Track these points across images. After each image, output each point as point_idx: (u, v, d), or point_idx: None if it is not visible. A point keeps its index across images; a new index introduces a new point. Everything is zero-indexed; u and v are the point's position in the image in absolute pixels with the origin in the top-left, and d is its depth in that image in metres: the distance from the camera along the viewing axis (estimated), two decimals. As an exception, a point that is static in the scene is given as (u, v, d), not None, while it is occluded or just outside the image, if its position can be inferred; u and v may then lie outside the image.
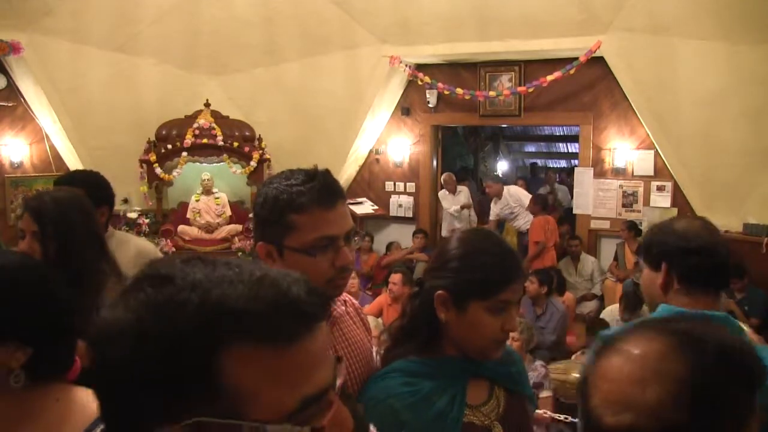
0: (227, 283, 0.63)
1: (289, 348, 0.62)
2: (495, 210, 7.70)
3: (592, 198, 7.23)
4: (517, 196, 7.53)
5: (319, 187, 1.34)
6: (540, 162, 13.54)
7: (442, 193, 7.99)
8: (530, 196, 7.52)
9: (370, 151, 8.33)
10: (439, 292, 1.39)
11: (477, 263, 1.39)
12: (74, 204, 1.97)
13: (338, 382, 0.69)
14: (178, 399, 0.60)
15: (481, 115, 7.79)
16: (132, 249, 2.35)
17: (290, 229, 1.32)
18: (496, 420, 1.41)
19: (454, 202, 7.89)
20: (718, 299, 1.59)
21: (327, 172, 1.41)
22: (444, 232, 7.92)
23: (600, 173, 7.20)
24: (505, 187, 7.68)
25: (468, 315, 1.37)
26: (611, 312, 5.36)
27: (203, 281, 0.63)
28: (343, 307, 1.53)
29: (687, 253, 1.58)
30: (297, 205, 1.31)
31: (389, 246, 8.02)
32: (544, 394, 3.68)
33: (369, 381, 1.45)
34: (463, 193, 7.97)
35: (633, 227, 6.71)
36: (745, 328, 1.82)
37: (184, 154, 7.22)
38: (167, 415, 0.60)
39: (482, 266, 1.38)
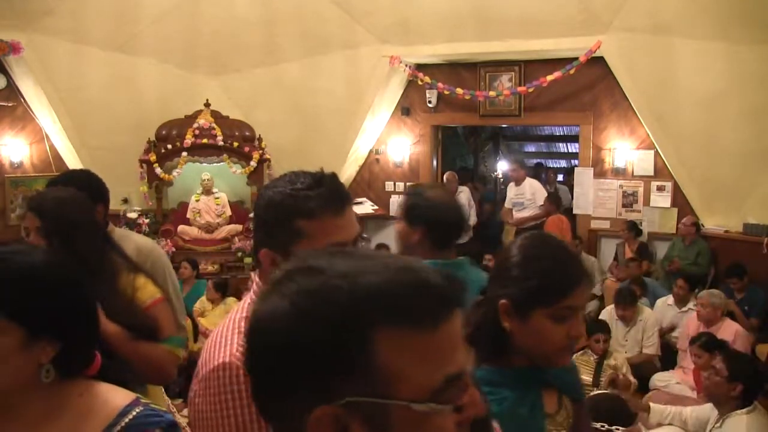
0: (374, 270, 0.67)
1: (434, 330, 0.66)
2: (510, 195, 7.61)
3: (592, 198, 7.23)
4: (534, 189, 7.38)
5: (328, 192, 1.28)
6: (542, 162, 13.57)
7: None
8: (546, 194, 7.43)
9: (370, 151, 8.33)
10: (502, 301, 1.35)
11: (537, 270, 1.34)
12: (74, 200, 2.04)
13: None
14: (330, 380, 0.64)
15: (481, 115, 7.78)
16: (131, 245, 2.38)
17: (298, 236, 1.25)
18: (567, 429, 1.40)
19: (454, 202, 7.87)
20: (453, 251, 2.18)
21: (334, 176, 1.35)
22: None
23: (600, 173, 7.20)
24: (528, 178, 7.62)
25: (532, 323, 1.32)
26: (611, 312, 5.36)
27: (352, 269, 0.67)
28: None
29: (440, 223, 2.12)
30: (306, 211, 1.25)
31: (378, 248, 8.01)
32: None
33: None
34: (464, 194, 7.94)
35: (633, 227, 6.71)
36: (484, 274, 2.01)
37: (184, 154, 7.22)
38: (319, 397, 0.64)
39: (542, 272, 1.33)
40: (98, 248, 1.99)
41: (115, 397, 1.17)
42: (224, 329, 1.31)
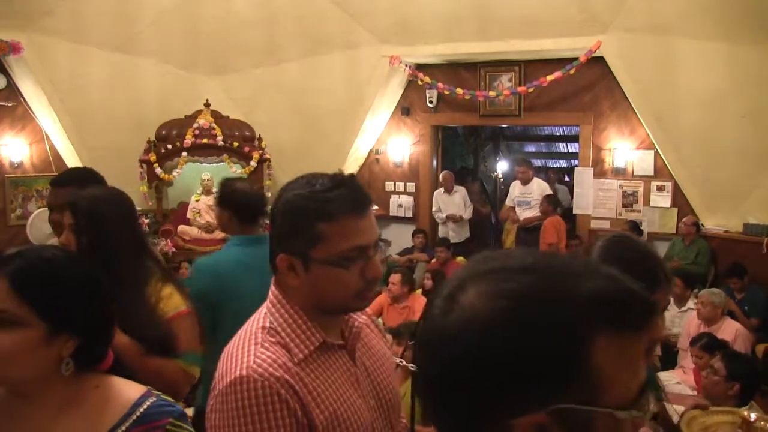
0: (587, 274, 0.65)
1: (639, 336, 0.66)
2: (514, 193, 7.49)
3: (592, 198, 7.22)
4: (542, 189, 7.29)
5: (349, 194, 1.24)
6: (541, 162, 13.55)
7: (438, 192, 7.95)
8: (551, 194, 7.38)
9: (370, 151, 8.33)
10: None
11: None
12: (109, 199, 2.02)
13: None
14: (544, 387, 0.62)
15: (481, 115, 7.78)
16: None
17: (318, 240, 1.21)
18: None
19: (449, 202, 7.85)
20: (256, 229, 2.71)
21: (353, 178, 1.30)
22: (440, 235, 7.90)
23: (600, 173, 7.20)
24: (536, 178, 7.56)
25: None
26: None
27: (564, 272, 0.65)
28: (363, 317, 1.46)
29: (242, 205, 2.69)
30: (326, 214, 1.21)
31: None
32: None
33: None
34: (459, 194, 7.91)
35: (634, 228, 6.70)
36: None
37: (184, 154, 7.22)
38: (526, 405, 0.62)
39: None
40: (127, 250, 1.95)
41: (129, 389, 1.24)
42: (241, 341, 1.27)
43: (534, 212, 7.15)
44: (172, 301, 1.95)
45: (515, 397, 0.62)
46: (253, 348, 1.23)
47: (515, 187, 7.52)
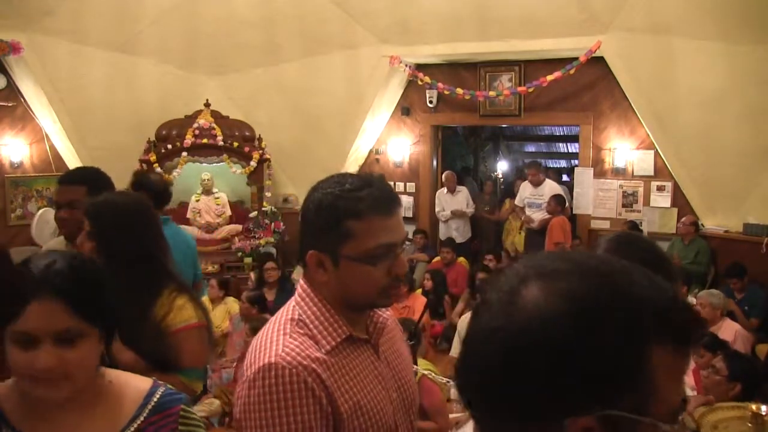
0: (651, 285, 0.67)
1: (688, 351, 0.68)
2: (524, 194, 7.42)
3: (592, 198, 7.22)
4: (554, 190, 7.20)
5: (378, 194, 1.28)
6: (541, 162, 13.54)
7: (440, 192, 7.96)
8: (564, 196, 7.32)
9: (370, 151, 8.33)
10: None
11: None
12: (126, 207, 2.00)
13: None
14: (600, 389, 0.62)
15: (481, 115, 7.78)
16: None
17: (348, 237, 1.25)
18: None
19: (452, 202, 7.86)
20: (160, 212, 2.67)
21: (382, 178, 1.35)
22: (441, 235, 7.90)
23: (600, 173, 7.20)
24: (547, 180, 7.48)
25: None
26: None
27: (630, 280, 0.66)
28: (387, 313, 1.49)
29: (160, 192, 3.09)
30: (356, 212, 1.25)
31: None
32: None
33: None
34: (462, 194, 7.92)
35: (634, 228, 6.70)
36: None
37: (184, 154, 7.22)
38: (584, 406, 0.62)
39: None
40: (140, 259, 1.91)
41: (138, 381, 1.32)
42: (270, 331, 1.31)
43: (541, 216, 7.11)
44: (182, 314, 1.92)
45: (572, 398, 0.63)
46: (281, 338, 1.27)
47: (526, 188, 7.44)
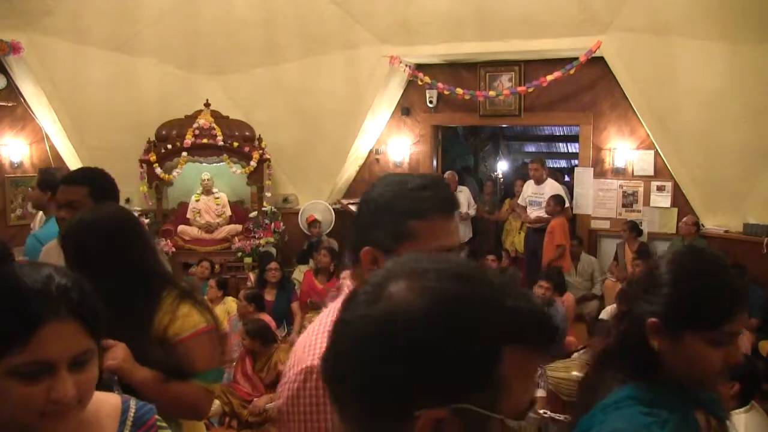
0: (510, 291, 0.71)
1: (540, 356, 0.72)
2: (527, 193, 7.36)
3: (592, 198, 7.22)
4: (555, 189, 7.12)
5: (440, 195, 1.26)
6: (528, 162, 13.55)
7: None
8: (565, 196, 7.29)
9: (370, 151, 8.33)
10: (651, 320, 1.29)
11: (694, 289, 1.27)
12: (105, 226, 1.86)
13: None
14: (453, 385, 0.66)
15: (481, 115, 7.78)
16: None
17: (409, 237, 1.22)
18: None
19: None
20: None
21: (442, 179, 1.35)
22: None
23: (600, 173, 7.20)
24: (549, 179, 7.39)
25: (685, 345, 1.26)
26: (611, 312, 5.34)
27: (491, 286, 0.71)
28: None
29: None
30: (419, 212, 1.23)
31: None
32: (539, 393, 3.70)
33: (597, 409, 1.32)
34: (463, 194, 7.92)
35: (635, 228, 6.70)
36: None
37: (184, 154, 7.22)
38: (436, 399, 0.66)
39: (701, 293, 1.26)
40: (130, 275, 1.81)
41: (109, 397, 1.26)
42: (314, 332, 1.28)
43: (540, 214, 7.09)
44: (189, 320, 1.85)
45: (425, 390, 0.66)
46: (326, 340, 1.25)
47: (528, 187, 7.38)
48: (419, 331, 0.66)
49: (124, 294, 1.76)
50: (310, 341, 1.26)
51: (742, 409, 3.13)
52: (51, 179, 3.30)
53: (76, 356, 1.04)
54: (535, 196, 7.26)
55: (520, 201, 7.61)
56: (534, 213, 7.22)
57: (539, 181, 7.23)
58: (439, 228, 1.24)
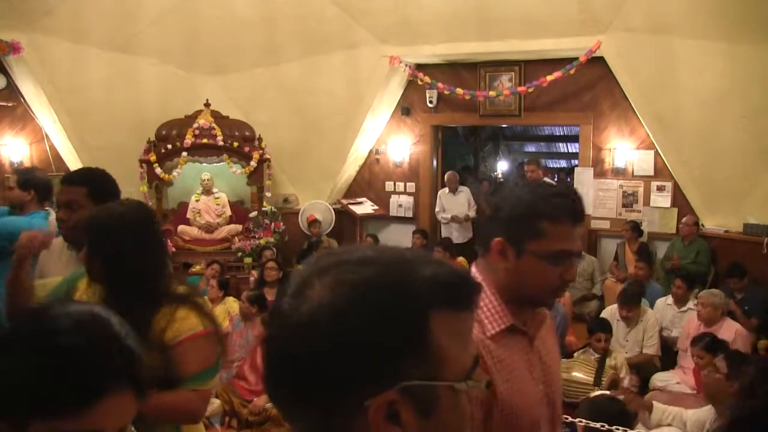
0: (421, 262, 0.72)
1: (467, 314, 0.74)
2: None
3: (592, 198, 7.22)
4: None
5: (572, 204, 1.40)
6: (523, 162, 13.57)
7: (442, 192, 7.95)
8: None
9: (370, 151, 8.33)
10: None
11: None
12: (133, 220, 1.88)
13: None
14: (392, 365, 0.66)
15: (481, 115, 7.78)
16: None
17: (539, 235, 1.37)
18: None
19: (454, 202, 7.86)
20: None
21: (576, 191, 1.47)
22: (442, 235, 7.89)
23: (600, 173, 7.20)
24: (546, 179, 7.43)
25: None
26: (611, 312, 5.35)
27: (401, 261, 0.72)
28: (545, 310, 1.57)
29: (45, 188, 3.45)
30: (553, 215, 1.37)
31: None
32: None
33: None
34: (464, 194, 7.91)
35: (635, 228, 6.70)
36: None
37: (184, 154, 7.22)
38: (381, 384, 0.66)
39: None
40: (145, 276, 1.82)
41: None
42: None
43: None
44: (186, 323, 1.83)
45: (367, 378, 0.66)
46: None
47: None
48: (342, 324, 0.66)
49: (138, 292, 1.78)
50: None
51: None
52: (32, 178, 3.42)
53: (125, 425, 0.94)
54: None
55: None
56: None
57: (536, 182, 7.21)
58: (566, 232, 1.38)
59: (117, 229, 1.83)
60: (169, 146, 7.21)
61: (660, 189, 6.91)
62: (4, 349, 0.89)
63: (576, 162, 8.14)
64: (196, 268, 6.65)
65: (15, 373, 0.85)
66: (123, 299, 1.65)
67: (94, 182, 2.39)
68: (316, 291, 0.69)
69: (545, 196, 1.40)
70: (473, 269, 1.48)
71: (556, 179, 10.62)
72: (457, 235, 7.72)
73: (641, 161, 6.97)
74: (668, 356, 5.21)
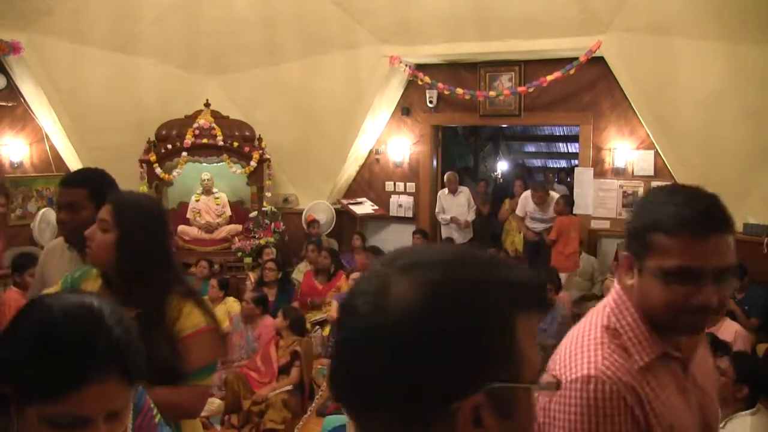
0: (500, 265, 0.72)
1: (538, 317, 0.75)
2: (528, 208, 7.21)
3: (592, 198, 7.21)
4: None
5: (695, 212, 1.17)
6: (541, 162, 13.58)
7: (442, 193, 7.94)
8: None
9: (370, 151, 8.33)
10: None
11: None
12: (154, 209, 1.97)
13: None
14: (482, 366, 0.66)
15: (481, 115, 7.78)
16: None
17: (650, 249, 1.20)
18: None
19: (454, 202, 7.85)
20: None
21: (715, 198, 1.22)
22: (443, 236, 7.88)
23: (600, 173, 7.20)
24: (552, 192, 7.32)
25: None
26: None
27: (483, 263, 0.72)
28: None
29: None
30: (663, 226, 1.18)
31: (371, 251, 7.69)
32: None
33: None
34: (464, 194, 7.90)
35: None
36: None
37: (184, 154, 7.22)
38: (470, 386, 0.66)
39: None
40: (161, 262, 1.87)
41: None
42: (583, 337, 1.26)
43: (546, 225, 7.02)
44: (191, 319, 1.87)
45: (456, 381, 0.65)
46: (600, 348, 1.22)
47: (529, 202, 7.22)
48: (436, 324, 0.65)
49: (152, 278, 1.83)
50: (582, 348, 1.23)
51: (748, 411, 3.12)
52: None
53: (114, 412, 0.98)
54: (536, 211, 7.18)
55: (518, 212, 7.48)
56: (534, 225, 7.21)
57: (541, 203, 7.12)
58: (681, 246, 1.16)
59: (145, 216, 1.90)
60: (169, 146, 7.21)
61: (660, 189, 6.90)
62: (5, 336, 0.98)
63: (576, 162, 8.14)
64: (192, 269, 6.65)
65: (7, 360, 0.94)
66: (141, 284, 1.76)
67: (95, 183, 2.39)
68: (400, 290, 0.67)
69: (657, 203, 1.22)
70: (616, 286, 1.31)
71: (556, 179, 10.60)
72: (458, 235, 7.71)
73: (641, 161, 6.97)
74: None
